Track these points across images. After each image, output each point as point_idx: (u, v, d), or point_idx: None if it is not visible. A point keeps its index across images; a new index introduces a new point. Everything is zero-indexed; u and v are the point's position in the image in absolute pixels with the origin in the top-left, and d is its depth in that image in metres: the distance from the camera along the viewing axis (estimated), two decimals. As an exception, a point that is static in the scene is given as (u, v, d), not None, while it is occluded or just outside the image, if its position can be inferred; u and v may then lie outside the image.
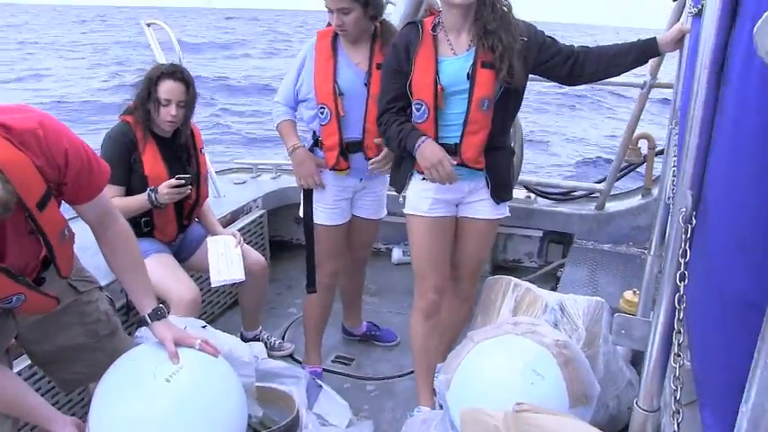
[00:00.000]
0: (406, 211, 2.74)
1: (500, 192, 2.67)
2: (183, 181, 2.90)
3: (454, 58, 2.51)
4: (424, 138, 2.49)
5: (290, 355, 3.51)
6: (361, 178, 3.03)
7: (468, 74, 2.48)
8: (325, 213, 3.04)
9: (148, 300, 2.12)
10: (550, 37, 2.56)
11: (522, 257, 4.37)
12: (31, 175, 1.68)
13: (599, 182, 4.11)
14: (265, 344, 3.52)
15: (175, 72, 2.94)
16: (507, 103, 2.53)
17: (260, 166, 4.55)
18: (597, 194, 3.99)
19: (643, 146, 3.83)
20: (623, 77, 2.87)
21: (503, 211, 2.73)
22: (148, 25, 4.06)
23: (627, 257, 3.81)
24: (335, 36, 2.87)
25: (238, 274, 3.10)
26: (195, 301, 2.91)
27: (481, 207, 2.69)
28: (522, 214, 4.08)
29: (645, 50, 2.46)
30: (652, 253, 2.59)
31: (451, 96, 2.50)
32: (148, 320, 2.10)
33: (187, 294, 2.90)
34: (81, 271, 2.31)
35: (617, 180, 3.94)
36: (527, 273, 4.22)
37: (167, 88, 2.91)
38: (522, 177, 3.98)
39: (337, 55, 2.87)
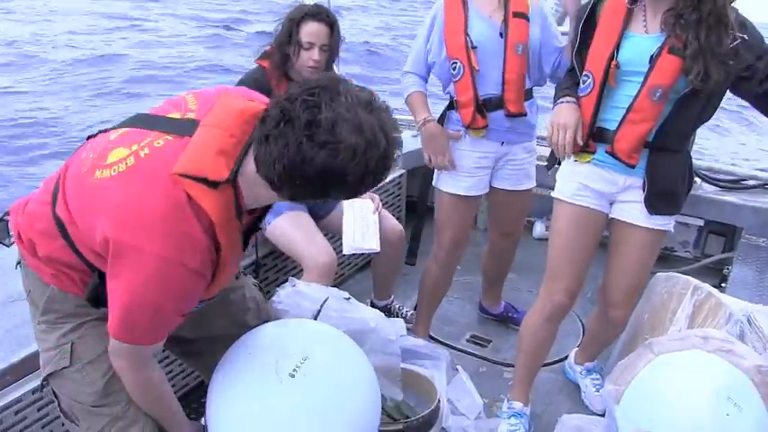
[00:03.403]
0: (553, 194, 2.44)
1: (657, 202, 2.23)
2: None
3: (644, 37, 2.13)
4: (568, 99, 2.23)
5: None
6: (503, 141, 2.77)
7: (651, 56, 2.09)
8: (454, 181, 2.81)
9: None
10: None
11: (677, 246, 3.98)
12: None
13: (779, 172, 3.67)
14: (396, 314, 3.36)
15: (320, 13, 2.75)
16: (693, 103, 2.09)
17: (401, 122, 4.32)
18: None
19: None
20: None
21: (665, 222, 2.29)
22: None
23: None
24: None
25: (373, 244, 2.89)
26: (330, 266, 2.75)
27: (636, 211, 2.28)
28: None
29: None
30: None
31: (627, 77, 2.14)
32: None
33: (321, 258, 2.74)
34: None
35: None
36: (679, 263, 3.86)
37: (310, 30, 2.72)
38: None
39: (467, 8, 2.66)
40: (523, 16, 2.65)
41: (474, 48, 2.64)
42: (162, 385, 1.77)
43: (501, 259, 3.21)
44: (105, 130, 1.68)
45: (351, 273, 3.71)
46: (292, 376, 1.67)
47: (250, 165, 1.49)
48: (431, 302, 3.11)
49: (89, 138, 1.72)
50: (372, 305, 3.30)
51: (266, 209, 1.80)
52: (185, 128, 1.53)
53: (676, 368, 1.86)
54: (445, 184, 2.84)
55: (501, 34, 2.64)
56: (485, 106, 2.69)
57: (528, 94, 2.76)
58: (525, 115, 2.73)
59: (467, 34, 2.64)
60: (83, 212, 1.55)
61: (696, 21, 1.96)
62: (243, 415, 1.69)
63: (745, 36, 1.99)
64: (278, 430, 1.67)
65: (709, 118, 2.22)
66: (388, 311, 3.34)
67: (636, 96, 2.12)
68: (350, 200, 2.88)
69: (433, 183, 2.90)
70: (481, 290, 3.39)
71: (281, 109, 1.40)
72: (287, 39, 2.73)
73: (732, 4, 1.99)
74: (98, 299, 1.66)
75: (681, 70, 2.02)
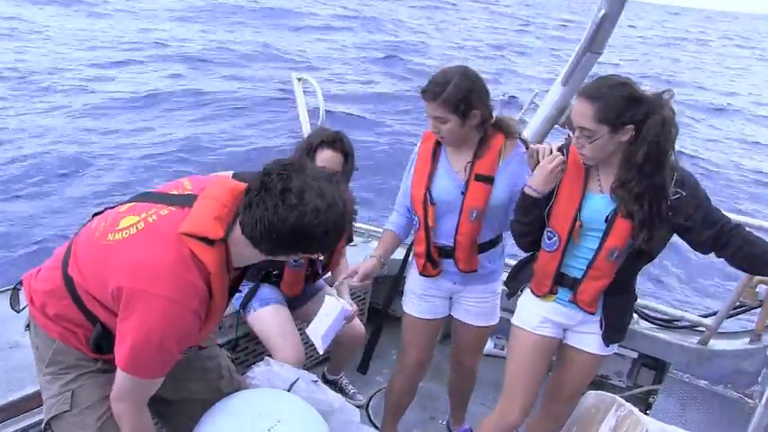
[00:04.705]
0: (513, 321, 2.73)
1: (613, 335, 2.60)
2: None
3: (599, 196, 2.42)
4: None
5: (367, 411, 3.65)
6: (455, 282, 2.91)
7: (607, 217, 2.38)
8: (413, 304, 2.99)
9: None
10: (707, 197, 2.38)
11: (611, 375, 4.31)
12: None
13: (706, 315, 4.06)
14: (342, 389, 3.71)
15: (336, 142, 2.98)
16: (641, 255, 2.42)
17: (372, 233, 4.67)
18: (703, 328, 3.94)
19: (761, 290, 3.77)
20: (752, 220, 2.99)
21: (611, 348, 2.67)
22: (299, 80, 4.28)
23: (724, 399, 3.73)
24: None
25: (319, 347, 2.96)
26: (298, 363, 2.97)
27: (589, 340, 2.65)
28: None
29: None
30: (763, 404, 2.54)
31: (587, 233, 2.44)
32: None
33: (291, 356, 2.97)
34: None
35: (727, 318, 3.88)
36: (613, 391, 4.13)
37: (325, 157, 2.96)
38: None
39: (438, 161, 2.75)
40: (487, 179, 2.66)
41: (433, 204, 2.71)
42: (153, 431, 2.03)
43: (461, 378, 3.38)
44: (112, 206, 2.04)
45: (311, 365, 3.96)
46: None
47: (238, 229, 1.86)
48: (396, 412, 3.32)
49: (95, 214, 2.08)
50: (324, 377, 3.68)
51: (244, 273, 2.15)
52: (185, 201, 1.91)
53: (594, 468, 2.15)
54: (406, 305, 3.02)
55: (462, 193, 2.69)
56: (438, 253, 2.80)
57: (490, 244, 2.84)
58: (476, 271, 2.82)
59: (428, 190, 2.71)
60: (95, 270, 1.89)
61: (639, 193, 2.28)
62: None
63: (683, 192, 2.31)
64: None
65: (654, 259, 2.52)
66: (336, 384, 3.70)
67: (595, 257, 2.43)
68: (334, 299, 3.01)
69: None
70: (449, 408, 3.59)
71: (261, 181, 1.79)
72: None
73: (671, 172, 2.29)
74: (100, 347, 1.97)
75: (631, 234, 2.35)
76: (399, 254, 3.18)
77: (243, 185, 1.88)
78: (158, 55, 17.71)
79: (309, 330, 2.99)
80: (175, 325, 1.81)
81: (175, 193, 1.96)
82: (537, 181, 2.41)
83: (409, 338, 3.07)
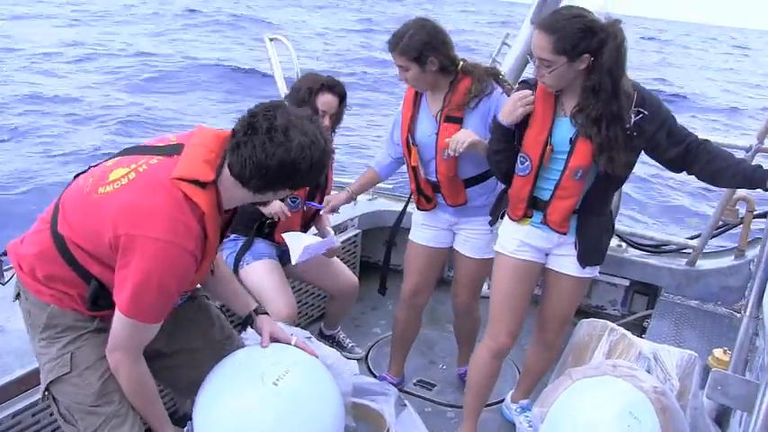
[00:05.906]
0: (495, 247, 2.78)
1: (588, 258, 2.65)
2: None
3: (564, 119, 2.49)
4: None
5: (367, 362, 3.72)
6: (450, 213, 3.05)
7: (570, 138, 2.45)
8: (416, 232, 3.17)
9: (250, 300, 2.41)
10: (671, 115, 2.45)
11: (606, 305, 4.38)
12: None
13: (692, 238, 4.11)
14: (339, 343, 3.75)
15: (335, 86, 3.12)
16: (608, 177, 2.47)
17: (376, 190, 4.59)
18: (689, 250, 3.99)
19: (741, 208, 3.83)
20: (728, 140, 3.07)
21: (592, 271, 2.72)
22: (271, 40, 4.27)
23: (714, 316, 3.81)
24: None
25: (295, 256, 3.00)
26: (291, 317, 3.02)
27: (567, 262, 2.68)
28: (610, 262, 4.08)
29: (752, 181, 2.33)
30: (748, 314, 2.59)
31: (556, 155, 2.50)
32: (254, 315, 2.34)
33: (284, 310, 3.02)
34: None
35: (711, 238, 3.93)
36: (609, 320, 4.21)
37: (325, 100, 3.08)
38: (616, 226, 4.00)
39: (419, 106, 2.96)
40: (455, 120, 2.83)
41: (415, 145, 2.93)
42: (151, 381, 2.07)
43: (463, 318, 3.39)
44: (96, 164, 2.07)
45: (306, 324, 3.99)
46: (275, 384, 1.98)
47: (226, 171, 1.94)
48: (401, 345, 3.42)
49: (76, 175, 2.10)
50: (321, 333, 3.73)
51: (233, 217, 2.23)
52: (173, 150, 1.98)
53: (589, 389, 2.20)
54: (411, 234, 3.19)
55: (435, 133, 2.87)
56: (432, 188, 2.98)
57: (478, 179, 2.95)
58: (465, 204, 2.96)
59: (410, 132, 2.94)
60: (88, 224, 1.92)
61: (596, 118, 2.37)
62: (228, 411, 1.99)
63: (646, 111, 2.40)
64: (259, 427, 1.96)
65: (624, 182, 2.65)
66: (334, 339, 3.75)
67: (561, 176, 2.49)
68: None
69: None
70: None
71: (248, 122, 1.88)
72: (304, 103, 3.04)
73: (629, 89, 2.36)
74: (97, 303, 1.99)
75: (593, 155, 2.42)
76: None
77: (227, 131, 1.96)
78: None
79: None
80: (174, 266, 1.86)
81: (161, 145, 2.03)
82: (503, 111, 2.55)
83: (409, 264, 3.22)
